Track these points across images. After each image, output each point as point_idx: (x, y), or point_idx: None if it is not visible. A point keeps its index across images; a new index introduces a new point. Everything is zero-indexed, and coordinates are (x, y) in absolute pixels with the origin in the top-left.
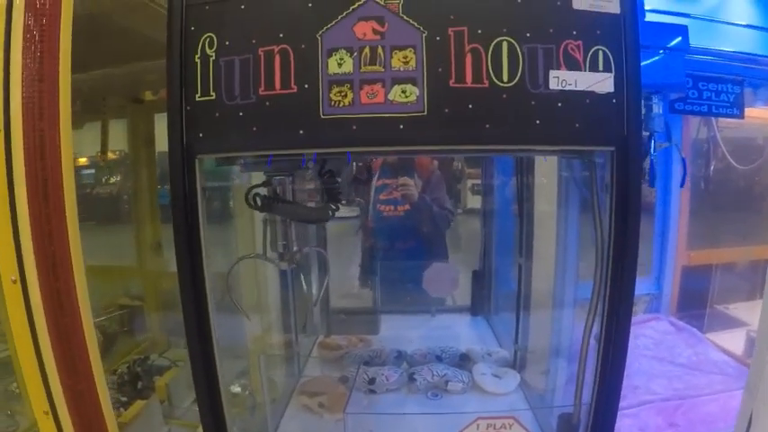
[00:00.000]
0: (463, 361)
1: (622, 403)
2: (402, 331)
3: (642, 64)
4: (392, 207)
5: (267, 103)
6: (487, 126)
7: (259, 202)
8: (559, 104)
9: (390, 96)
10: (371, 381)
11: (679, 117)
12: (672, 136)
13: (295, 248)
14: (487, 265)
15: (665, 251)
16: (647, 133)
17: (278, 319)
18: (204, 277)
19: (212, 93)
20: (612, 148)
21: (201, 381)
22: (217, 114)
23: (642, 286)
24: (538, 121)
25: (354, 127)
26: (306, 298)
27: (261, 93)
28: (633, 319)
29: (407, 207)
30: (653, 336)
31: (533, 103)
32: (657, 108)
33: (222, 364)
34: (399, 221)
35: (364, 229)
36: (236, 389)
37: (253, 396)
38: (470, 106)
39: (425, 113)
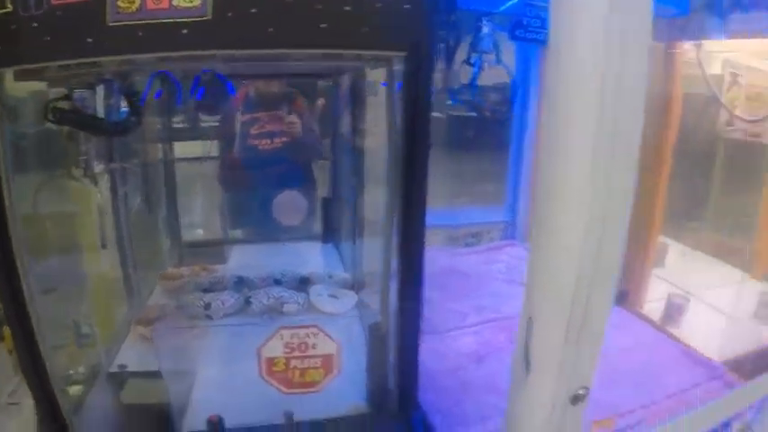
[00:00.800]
0: (303, 284)
1: (465, 322)
2: (250, 260)
3: None
4: (269, 140)
5: (58, 13)
6: (271, 29)
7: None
8: (347, 8)
9: (175, 2)
10: (207, 306)
11: (536, 48)
12: (500, 59)
13: (100, 166)
14: (336, 192)
15: (518, 180)
16: (476, 53)
17: (117, 251)
18: (6, 210)
19: (9, 5)
20: (404, 53)
21: (15, 325)
22: (13, 27)
23: (497, 214)
24: (324, 25)
25: (140, 33)
26: (150, 229)
27: (53, 2)
28: (489, 245)
29: (284, 139)
30: (507, 261)
31: (320, 6)
32: (487, 29)
33: (47, 304)
34: (272, 155)
35: (230, 163)
36: (86, 329)
37: (94, 333)
38: (254, 10)
39: (209, 17)
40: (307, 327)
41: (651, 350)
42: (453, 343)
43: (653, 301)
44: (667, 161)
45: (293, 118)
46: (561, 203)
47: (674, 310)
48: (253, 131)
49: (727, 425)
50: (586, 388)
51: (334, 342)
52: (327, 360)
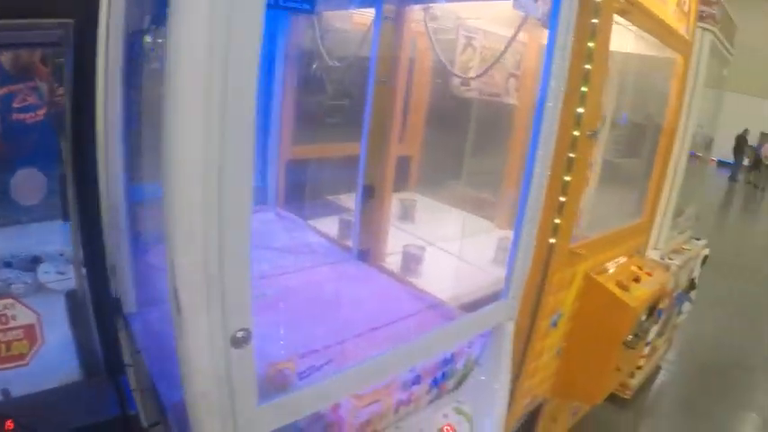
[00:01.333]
0: (33, 263)
1: None
2: None
3: None
4: (33, 113)
5: None
6: None
7: None
8: None
9: None
10: None
11: (286, 14)
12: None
13: None
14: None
15: (267, 146)
16: None
17: None
18: None
19: None
20: (71, 20)
21: None
22: None
23: None
24: None
25: None
26: None
27: None
28: None
29: (44, 110)
30: (256, 226)
31: None
32: None
33: None
34: (25, 131)
35: None
36: None
37: None
38: None
39: None
40: (2, 298)
41: (384, 298)
42: None
43: (395, 254)
44: (399, 121)
45: (62, 90)
46: (180, 144)
47: (410, 260)
48: (16, 106)
49: (450, 360)
50: (246, 330)
51: (33, 312)
52: (29, 331)
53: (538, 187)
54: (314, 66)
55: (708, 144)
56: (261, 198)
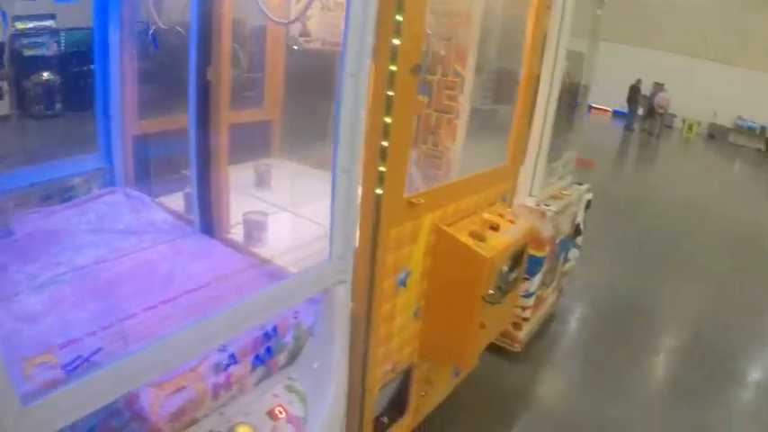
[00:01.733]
0: None
1: (34, 282)
2: None
3: None
4: None
5: None
6: None
7: None
8: None
9: None
10: None
11: None
12: None
13: None
14: None
15: (109, 123)
16: None
17: None
18: None
19: None
20: None
21: None
22: None
23: (91, 162)
24: None
25: None
26: None
27: None
28: (88, 197)
29: None
30: (102, 209)
31: None
32: None
33: None
34: None
35: None
36: None
37: None
38: None
39: None
40: None
41: (211, 270)
42: (17, 307)
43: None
44: (227, 85)
45: None
46: None
47: (252, 228)
48: None
49: (273, 334)
50: None
51: None
52: None
53: (350, 131)
54: (150, 32)
55: (584, 88)
56: (108, 179)
